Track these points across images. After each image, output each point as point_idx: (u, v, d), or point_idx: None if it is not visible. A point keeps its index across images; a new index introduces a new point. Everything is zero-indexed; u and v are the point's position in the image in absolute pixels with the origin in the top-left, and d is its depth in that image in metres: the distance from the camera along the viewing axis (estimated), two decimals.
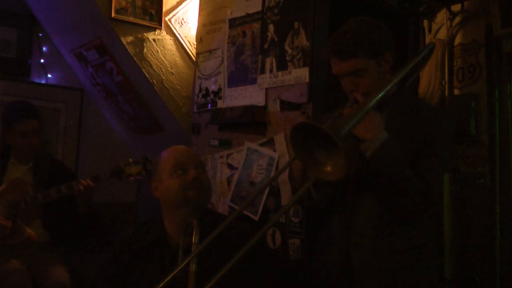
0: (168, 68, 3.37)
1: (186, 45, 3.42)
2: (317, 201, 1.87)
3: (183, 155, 2.04)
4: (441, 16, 3.04)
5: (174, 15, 3.39)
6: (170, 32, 3.39)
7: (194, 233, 1.78)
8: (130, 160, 2.64)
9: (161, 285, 1.50)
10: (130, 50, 3.24)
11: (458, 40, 2.97)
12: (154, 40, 3.33)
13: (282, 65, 2.45)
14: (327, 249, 1.92)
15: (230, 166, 2.66)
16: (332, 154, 1.47)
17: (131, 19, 3.24)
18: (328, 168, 1.49)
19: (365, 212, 1.78)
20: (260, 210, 2.45)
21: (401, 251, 1.74)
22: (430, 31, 3.06)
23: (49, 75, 3.90)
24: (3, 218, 2.70)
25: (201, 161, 2.09)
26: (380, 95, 1.66)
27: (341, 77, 1.80)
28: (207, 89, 2.88)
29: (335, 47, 1.76)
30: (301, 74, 2.36)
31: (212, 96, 2.84)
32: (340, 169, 1.47)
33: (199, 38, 3.02)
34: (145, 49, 3.29)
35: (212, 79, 2.85)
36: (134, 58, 3.25)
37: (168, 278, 1.52)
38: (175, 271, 1.54)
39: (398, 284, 1.74)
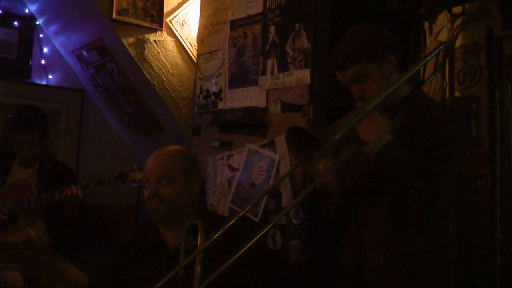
0: (169, 69, 3.38)
1: (187, 46, 3.42)
2: (332, 210, 1.89)
3: (149, 167, 2.02)
4: (442, 18, 3.04)
5: (175, 17, 3.39)
6: (171, 33, 3.40)
7: (199, 235, 1.78)
8: (135, 166, 2.67)
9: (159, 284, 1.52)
10: (131, 51, 3.25)
11: (459, 42, 2.97)
12: (155, 41, 3.34)
13: (283, 67, 2.46)
14: (342, 254, 1.92)
15: (230, 167, 2.66)
16: (324, 155, 1.51)
17: (132, 20, 3.24)
18: (321, 167, 1.54)
19: (376, 214, 1.78)
20: (260, 211, 2.45)
21: (410, 254, 1.72)
22: (431, 33, 3.06)
23: (50, 76, 3.91)
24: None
25: (168, 171, 2.00)
26: (379, 98, 1.66)
27: (349, 87, 1.82)
28: (208, 90, 2.88)
29: (335, 59, 1.80)
30: (302, 75, 2.36)
31: (213, 97, 2.84)
32: (331, 171, 1.53)
33: (200, 40, 3.02)
34: (146, 50, 3.29)
35: (213, 80, 2.85)
36: (135, 59, 3.26)
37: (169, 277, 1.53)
38: (177, 269, 1.54)
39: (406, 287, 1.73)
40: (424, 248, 1.73)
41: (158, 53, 3.34)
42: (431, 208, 1.65)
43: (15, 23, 3.76)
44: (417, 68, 1.84)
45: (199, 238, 1.76)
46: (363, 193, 1.83)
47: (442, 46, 1.92)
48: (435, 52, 1.91)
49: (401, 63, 1.84)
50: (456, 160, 1.77)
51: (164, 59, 3.36)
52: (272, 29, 2.53)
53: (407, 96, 1.81)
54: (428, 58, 1.91)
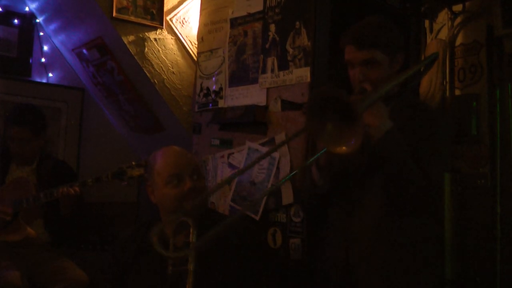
0: (169, 68, 3.38)
1: (187, 44, 3.42)
2: (320, 186, 1.89)
3: (177, 163, 1.97)
4: (443, 16, 3.04)
5: (175, 15, 3.39)
6: (172, 31, 3.40)
7: (191, 233, 1.78)
8: (133, 162, 2.65)
9: None
10: (131, 49, 3.25)
11: (459, 40, 2.97)
12: (155, 39, 3.34)
13: (283, 65, 2.46)
14: (327, 247, 1.93)
15: (231, 166, 2.66)
16: (347, 126, 1.48)
17: (132, 18, 3.24)
18: (343, 140, 1.48)
19: (365, 207, 1.81)
20: (261, 209, 2.45)
21: (399, 245, 1.75)
22: (431, 31, 3.06)
23: (50, 75, 3.91)
24: (5, 206, 2.73)
25: (196, 166, 2.03)
26: (393, 83, 1.72)
27: (351, 66, 1.83)
28: (208, 89, 2.88)
29: (356, 35, 1.81)
30: (303, 74, 2.36)
31: (213, 95, 2.84)
32: (357, 141, 1.46)
33: (200, 38, 3.02)
34: (146, 49, 3.29)
35: (213, 78, 2.85)
36: (135, 57, 3.26)
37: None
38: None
39: (396, 280, 1.75)
40: (413, 240, 1.76)
41: (159, 51, 3.34)
42: (424, 195, 1.69)
43: (15, 21, 3.75)
44: (415, 69, 1.90)
45: (191, 235, 1.75)
46: (351, 186, 1.85)
47: (434, 56, 1.98)
48: (428, 60, 1.95)
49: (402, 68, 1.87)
50: (446, 155, 1.85)
51: (164, 57, 3.36)
52: (272, 27, 2.53)
53: (396, 92, 1.86)
54: (425, 61, 1.94)
